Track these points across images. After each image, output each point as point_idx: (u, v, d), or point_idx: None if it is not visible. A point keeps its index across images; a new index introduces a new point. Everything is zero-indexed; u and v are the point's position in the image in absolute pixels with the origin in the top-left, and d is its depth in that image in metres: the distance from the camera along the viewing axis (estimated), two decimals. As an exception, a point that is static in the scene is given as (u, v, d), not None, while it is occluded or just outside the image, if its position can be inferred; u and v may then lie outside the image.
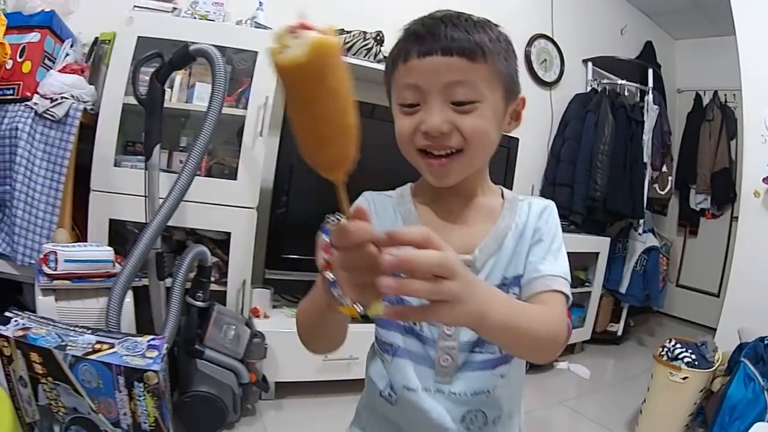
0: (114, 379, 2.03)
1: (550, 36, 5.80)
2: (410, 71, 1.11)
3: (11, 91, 3.00)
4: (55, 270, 2.65)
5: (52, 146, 2.99)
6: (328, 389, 3.55)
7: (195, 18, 3.50)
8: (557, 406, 4.21)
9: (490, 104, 1.12)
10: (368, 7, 4.46)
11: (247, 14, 3.70)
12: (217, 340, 3.11)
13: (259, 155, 3.50)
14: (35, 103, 2.94)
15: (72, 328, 2.18)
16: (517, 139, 4.70)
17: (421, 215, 1.27)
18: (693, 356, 3.47)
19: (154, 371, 2.03)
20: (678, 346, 3.57)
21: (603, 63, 6.08)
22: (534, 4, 5.71)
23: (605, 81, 5.94)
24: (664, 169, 6.28)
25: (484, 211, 1.28)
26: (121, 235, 3.36)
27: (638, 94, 6.04)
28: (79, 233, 3.26)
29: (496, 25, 1.17)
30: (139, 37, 3.24)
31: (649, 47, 6.71)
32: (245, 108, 3.49)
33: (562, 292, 1.16)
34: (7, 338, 2.04)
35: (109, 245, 3.00)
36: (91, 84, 3.19)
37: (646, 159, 5.78)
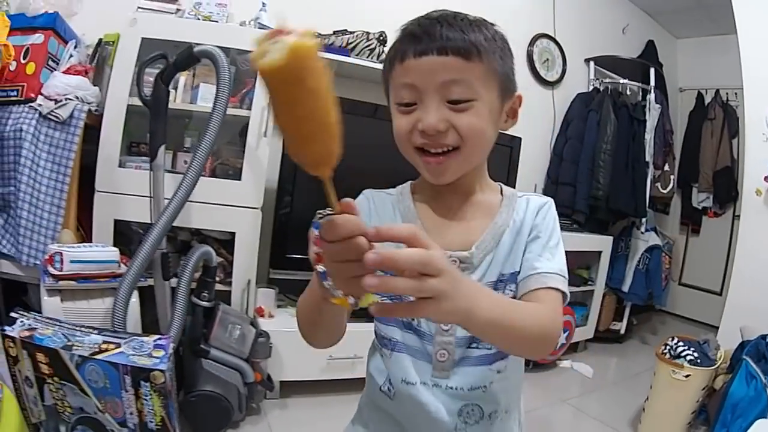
0: (121, 379, 2.03)
1: (552, 35, 5.81)
2: (407, 71, 1.12)
3: (15, 93, 3.00)
4: (61, 270, 2.66)
5: (56, 147, 2.99)
6: (333, 388, 3.55)
7: (198, 19, 3.50)
8: (560, 405, 4.22)
9: (485, 102, 1.13)
10: (371, 8, 4.47)
11: (251, 15, 3.71)
12: (223, 339, 3.12)
13: (263, 156, 3.50)
14: (39, 105, 2.94)
15: (78, 329, 2.18)
16: (520, 139, 4.70)
17: (420, 212, 1.29)
18: (695, 354, 3.47)
19: (161, 371, 2.03)
20: (680, 344, 3.58)
21: (605, 62, 6.09)
22: (536, 3, 5.71)
23: (607, 80, 5.95)
24: (667, 167, 6.28)
25: (483, 207, 1.29)
26: (125, 235, 3.37)
27: (640, 93, 6.04)
28: (84, 234, 3.27)
29: (492, 24, 1.19)
30: (143, 38, 3.24)
31: (651, 46, 6.70)
32: (249, 109, 3.50)
33: (557, 289, 1.17)
34: (13, 339, 2.05)
35: (114, 245, 3.01)
36: (95, 85, 3.19)
37: (649, 158, 5.78)
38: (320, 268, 0.85)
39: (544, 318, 1.10)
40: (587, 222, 5.49)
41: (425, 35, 1.10)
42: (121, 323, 2.64)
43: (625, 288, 5.81)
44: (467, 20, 1.14)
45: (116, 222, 3.27)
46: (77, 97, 3.03)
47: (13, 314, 2.15)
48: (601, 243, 5.52)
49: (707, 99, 6.89)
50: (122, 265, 2.88)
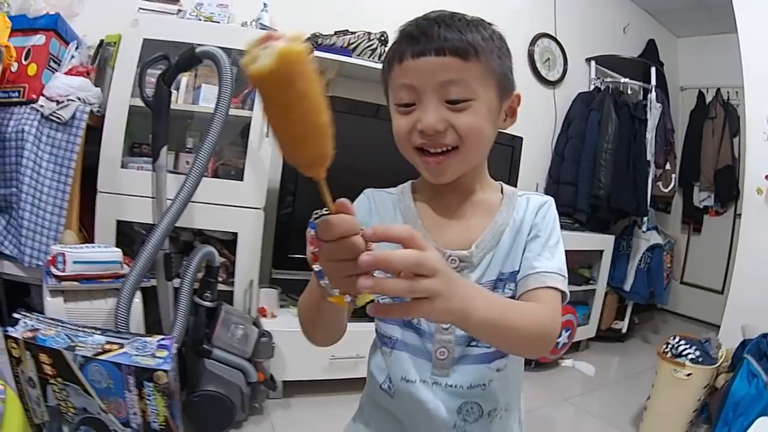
0: (124, 379, 2.04)
1: (553, 35, 5.81)
2: (405, 72, 1.13)
3: (17, 94, 3.00)
4: (64, 271, 2.65)
5: (58, 148, 3.00)
6: (335, 388, 3.55)
7: (200, 20, 3.51)
8: (562, 404, 4.23)
9: (484, 102, 1.14)
10: (372, 8, 4.47)
11: (252, 15, 3.71)
12: (225, 339, 3.12)
13: (265, 156, 3.51)
14: (41, 106, 2.94)
15: (81, 329, 2.19)
16: (522, 138, 4.71)
17: (420, 212, 1.29)
18: (697, 353, 3.48)
19: (164, 371, 2.04)
20: (682, 343, 3.58)
21: (606, 61, 6.09)
22: (537, 3, 5.72)
23: (608, 79, 5.95)
24: (668, 166, 6.29)
25: (483, 207, 1.29)
26: (127, 236, 3.37)
27: (641, 93, 6.04)
28: (86, 235, 3.27)
29: (490, 24, 1.19)
30: (144, 39, 3.25)
31: (651, 45, 6.70)
32: (251, 109, 3.50)
33: (556, 289, 1.18)
34: (15, 340, 2.06)
35: (116, 246, 3.01)
36: (96, 86, 3.19)
37: (650, 157, 5.79)
38: (316, 267, 0.86)
39: (542, 318, 1.10)
40: (589, 221, 5.49)
41: (423, 36, 1.11)
42: (124, 324, 2.64)
43: (627, 287, 5.81)
44: (465, 20, 1.15)
45: (118, 222, 3.28)
46: (79, 98, 3.03)
47: (15, 315, 2.15)
48: (603, 242, 5.52)
49: (708, 98, 6.89)
50: (125, 266, 2.88)
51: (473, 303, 0.89)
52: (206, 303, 3.12)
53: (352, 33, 4.08)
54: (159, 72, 3.07)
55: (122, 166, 3.29)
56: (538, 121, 5.64)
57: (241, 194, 3.47)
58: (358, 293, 0.83)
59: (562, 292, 1.19)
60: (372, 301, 0.85)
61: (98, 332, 2.19)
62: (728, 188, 6.52)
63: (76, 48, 3.20)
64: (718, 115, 6.65)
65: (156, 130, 3.07)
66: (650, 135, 5.75)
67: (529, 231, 1.25)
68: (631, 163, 5.62)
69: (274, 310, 3.71)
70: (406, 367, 1.26)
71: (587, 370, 4.88)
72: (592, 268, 5.57)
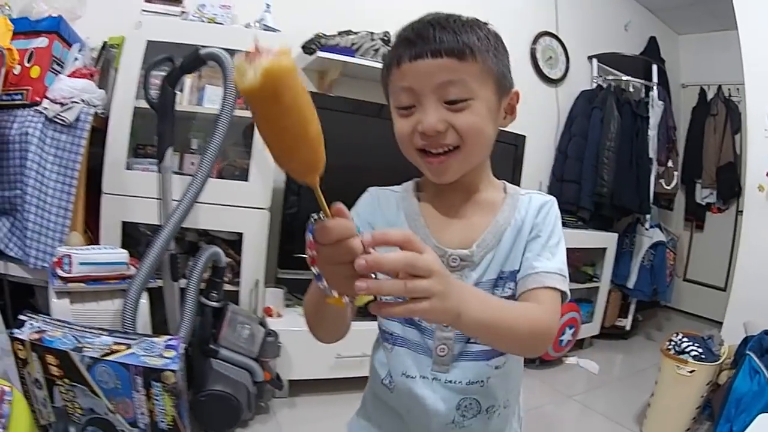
0: (132, 380, 2.05)
1: (555, 33, 5.82)
2: (404, 75, 1.14)
3: (20, 96, 2.98)
4: (70, 273, 2.65)
5: (63, 150, 2.99)
6: (341, 386, 3.57)
7: (203, 21, 3.51)
8: (567, 401, 4.24)
9: (482, 101, 1.15)
10: (375, 8, 4.48)
11: (255, 17, 3.70)
12: (232, 339, 3.13)
13: (269, 156, 3.47)
14: (45, 108, 2.92)
15: (88, 330, 2.20)
16: (525, 137, 4.71)
17: (423, 210, 1.31)
18: (700, 350, 3.48)
19: (172, 371, 2.05)
20: (685, 339, 3.59)
21: (608, 59, 6.10)
22: (539, 2, 5.73)
23: (610, 77, 5.96)
24: (670, 164, 6.30)
25: (485, 206, 1.30)
26: (132, 237, 3.37)
27: (643, 90, 6.04)
28: (92, 236, 3.27)
29: (485, 23, 1.20)
30: (148, 41, 3.25)
31: (653, 43, 6.70)
32: (255, 110, 3.49)
33: (555, 289, 1.19)
34: (22, 341, 2.07)
35: (122, 247, 3.01)
36: (100, 88, 3.17)
37: (652, 154, 5.80)
38: (314, 270, 0.89)
39: (538, 318, 1.12)
40: (592, 219, 5.51)
41: (419, 39, 1.12)
42: (131, 324, 2.65)
43: (630, 284, 5.82)
44: (460, 21, 1.16)
45: (124, 224, 3.28)
46: (83, 100, 3.01)
47: (21, 317, 2.16)
48: (606, 240, 5.54)
49: (710, 95, 6.90)
50: (131, 267, 2.88)
51: (468, 304, 0.92)
52: (213, 303, 3.13)
53: (355, 33, 4.08)
54: (163, 74, 3.08)
55: (127, 168, 3.29)
56: (541, 119, 5.65)
57: (246, 194, 3.47)
58: (356, 294, 0.85)
59: (562, 292, 1.20)
60: (371, 301, 0.87)
61: (105, 333, 2.20)
62: (730, 185, 6.53)
63: (80, 50, 3.19)
64: (720, 112, 6.66)
65: (161, 131, 3.08)
66: (652, 132, 5.76)
67: (530, 231, 1.26)
68: (633, 161, 5.62)
69: (280, 309, 3.72)
70: (407, 363, 1.28)
71: (591, 368, 4.89)
72: (596, 266, 5.58)
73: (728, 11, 4.25)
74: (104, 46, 3.46)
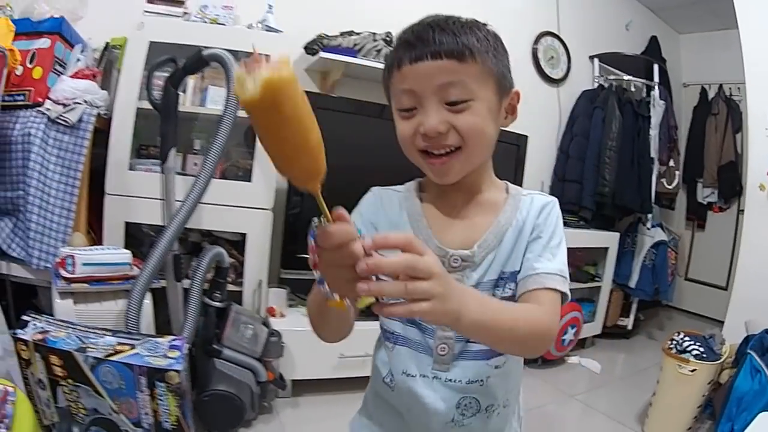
0: (136, 380, 2.06)
1: (557, 33, 5.82)
2: (405, 77, 1.15)
3: (22, 97, 2.98)
4: (73, 273, 2.65)
5: (66, 151, 2.99)
6: (344, 386, 3.57)
7: (205, 22, 3.51)
8: (569, 400, 4.25)
9: (483, 101, 1.16)
10: (377, 9, 4.48)
11: (256, 17, 3.71)
12: (235, 339, 3.14)
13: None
14: (48, 109, 2.92)
15: (92, 331, 2.20)
16: (527, 137, 4.72)
17: (425, 210, 1.31)
18: (701, 349, 3.49)
19: (177, 371, 2.06)
20: (686, 339, 3.60)
21: (609, 59, 6.10)
22: (540, 2, 5.73)
23: (612, 77, 5.96)
24: (671, 163, 6.30)
25: (487, 206, 1.31)
26: (135, 237, 3.37)
27: (645, 90, 6.04)
28: (95, 237, 3.28)
29: (484, 24, 1.21)
30: (150, 42, 3.26)
31: (654, 42, 6.70)
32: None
33: (555, 290, 1.20)
34: (25, 342, 2.07)
35: (125, 248, 3.02)
36: (103, 89, 3.18)
37: (654, 154, 5.80)
38: (317, 274, 0.90)
39: (537, 319, 1.13)
40: (594, 218, 5.51)
41: (419, 41, 1.13)
42: (135, 325, 2.66)
43: (632, 284, 5.82)
44: (459, 23, 1.16)
45: (127, 224, 3.29)
46: (86, 101, 3.01)
47: (25, 317, 2.17)
48: (608, 239, 5.54)
49: (711, 94, 6.90)
50: (134, 267, 2.89)
51: (466, 306, 0.93)
52: (216, 303, 3.13)
53: (357, 34, 4.08)
54: (166, 75, 3.09)
55: (130, 168, 3.30)
56: (542, 119, 5.65)
57: (250, 195, 3.48)
58: (358, 296, 0.86)
59: (562, 293, 1.21)
60: (373, 304, 0.89)
61: (109, 333, 2.21)
62: (731, 184, 6.53)
63: (82, 51, 3.19)
64: (721, 111, 6.67)
65: (164, 132, 3.09)
66: (654, 132, 5.77)
67: (531, 231, 1.26)
68: (635, 161, 5.63)
69: (283, 309, 3.72)
70: (407, 361, 1.29)
71: (593, 367, 4.89)
72: (598, 266, 5.59)
73: (729, 10, 4.25)
74: (106, 46, 3.46)
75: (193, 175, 2.98)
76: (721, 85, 6.72)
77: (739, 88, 6.34)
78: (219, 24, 3.55)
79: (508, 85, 1.24)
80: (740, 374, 3.19)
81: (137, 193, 3.27)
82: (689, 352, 3.49)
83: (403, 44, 1.17)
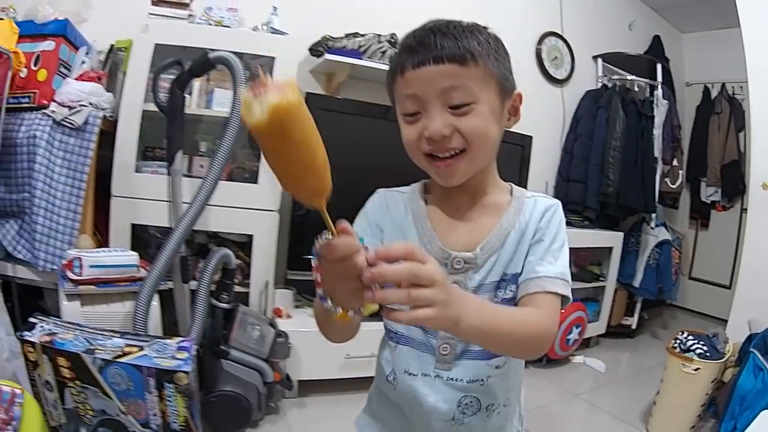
0: (144, 381, 2.06)
1: (560, 33, 5.82)
2: (408, 82, 1.17)
3: (27, 99, 2.99)
4: (80, 275, 2.66)
5: (71, 153, 2.99)
6: (351, 386, 3.57)
7: (210, 24, 3.53)
8: (573, 399, 4.25)
9: (486, 104, 1.17)
10: (382, 10, 4.50)
11: (261, 20, 3.71)
12: (242, 340, 3.15)
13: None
14: (53, 111, 2.93)
15: (100, 332, 2.21)
16: (531, 137, 4.74)
17: (430, 212, 1.33)
18: (705, 348, 3.49)
19: (185, 372, 2.07)
20: (690, 338, 3.60)
21: (613, 59, 6.09)
22: (543, 2, 5.73)
23: (615, 77, 5.96)
24: (675, 162, 6.29)
25: (491, 208, 1.32)
26: (142, 239, 3.39)
27: (648, 89, 6.03)
28: (101, 239, 3.29)
29: (485, 27, 1.22)
30: (156, 44, 3.27)
31: (657, 41, 6.70)
32: (265, 112, 3.48)
33: (556, 293, 1.21)
34: (32, 344, 2.08)
35: (131, 250, 3.02)
36: (108, 91, 3.19)
37: (657, 153, 5.79)
38: (320, 291, 0.95)
39: (536, 323, 1.15)
40: (598, 218, 5.51)
41: (421, 46, 1.15)
42: (143, 326, 2.66)
43: (636, 283, 5.82)
44: (460, 27, 1.18)
45: (133, 226, 3.30)
46: (91, 104, 3.02)
47: (32, 319, 2.17)
48: (612, 239, 5.55)
49: (714, 93, 6.89)
50: (141, 269, 2.90)
51: (465, 312, 0.95)
52: (223, 304, 3.15)
53: (362, 35, 4.09)
54: (172, 77, 3.09)
55: (136, 171, 3.31)
56: (546, 119, 5.65)
57: (256, 197, 3.49)
58: (363, 305, 0.91)
59: (563, 296, 1.22)
60: (377, 311, 0.92)
61: (117, 335, 2.21)
62: (735, 183, 6.52)
63: (87, 53, 3.19)
64: (724, 110, 6.66)
65: (171, 134, 3.09)
66: (657, 131, 5.76)
67: (533, 234, 1.28)
68: (639, 160, 5.63)
69: (290, 310, 3.74)
70: (410, 361, 1.32)
71: (598, 366, 4.89)
72: (602, 265, 5.60)
73: (731, 9, 4.24)
74: (111, 49, 3.47)
75: (199, 177, 3.00)
76: (723, 84, 6.71)
77: (741, 86, 6.29)
78: (224, 26, 3.55)
79: (510, 87, 1.25)
80: (743, 373, 3.20)
81: (143, 195, 3.28)
82: (693, 351, 3.49)
83: (405, 50, 1.18)
